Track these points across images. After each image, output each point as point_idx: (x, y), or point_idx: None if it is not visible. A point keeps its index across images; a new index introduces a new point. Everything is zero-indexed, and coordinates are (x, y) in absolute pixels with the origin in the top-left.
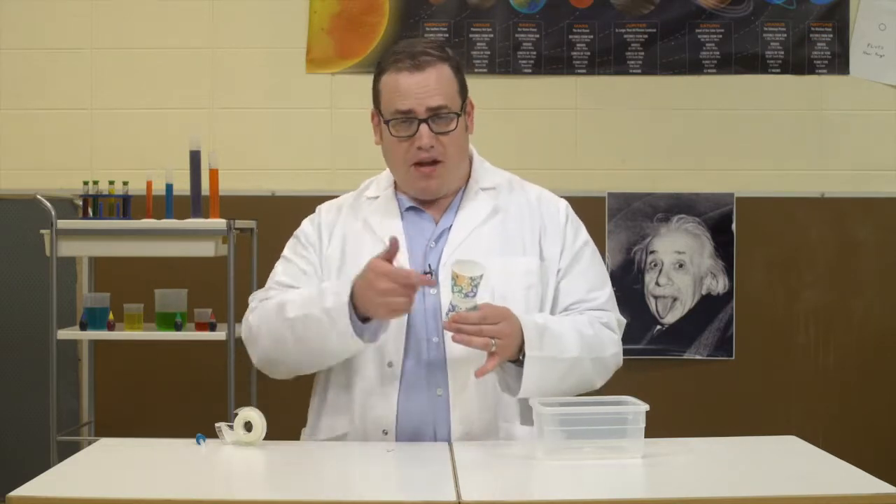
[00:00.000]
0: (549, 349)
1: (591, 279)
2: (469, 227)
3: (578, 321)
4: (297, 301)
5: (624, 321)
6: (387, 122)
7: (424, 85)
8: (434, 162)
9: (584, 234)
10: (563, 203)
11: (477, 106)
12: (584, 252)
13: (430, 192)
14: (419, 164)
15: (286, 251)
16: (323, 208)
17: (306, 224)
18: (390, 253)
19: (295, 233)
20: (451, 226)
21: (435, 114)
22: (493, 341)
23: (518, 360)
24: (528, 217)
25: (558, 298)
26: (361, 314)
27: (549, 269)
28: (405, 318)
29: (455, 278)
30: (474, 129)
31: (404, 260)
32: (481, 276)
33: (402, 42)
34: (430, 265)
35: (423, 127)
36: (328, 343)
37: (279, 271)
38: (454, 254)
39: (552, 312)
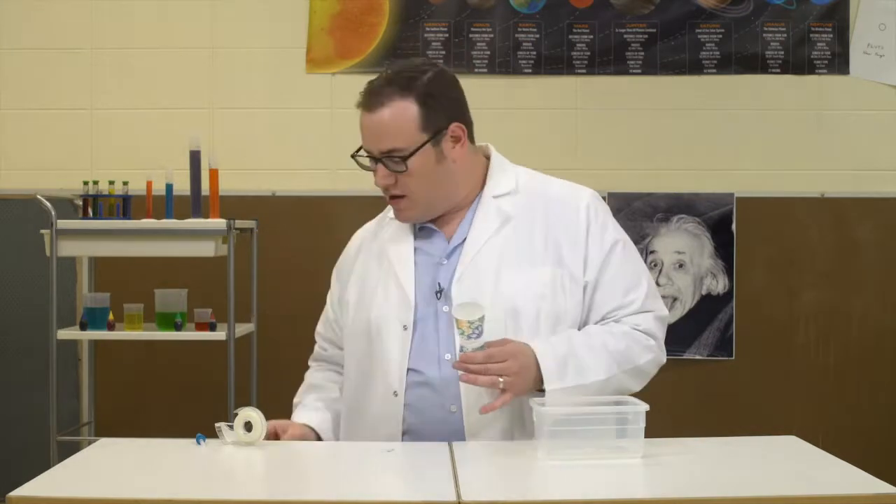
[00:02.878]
0: (572, 379)
1: (625, 281)
2: (480, 242)
3: (611, 334)
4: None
5: (665, 315)
6: (354, 156)
7: (375, 127)
8: (398, 196)
9: (610, 234)
10: (585, 201)
11: (477, 106)
12: (613, 253)
13: (407, 221)
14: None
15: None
16: (355, 238)
17: (339, 263)
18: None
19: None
20: (463, 241)
21: (386, 155)
22: (500, 379)
23: (541, 389)
24: (542, 222)
25: (594, 310)
26: None
27: (571, 278)
28: (408, 348)
29: (456, 323)
30: (475, 138)
31: (410, 290)
32: (481, 319)
33: (376, 77)
34: (439, 283)
35: (380, 167)
36: None
37: (322, 316)
38: (466, 269)
39: (588, 323)
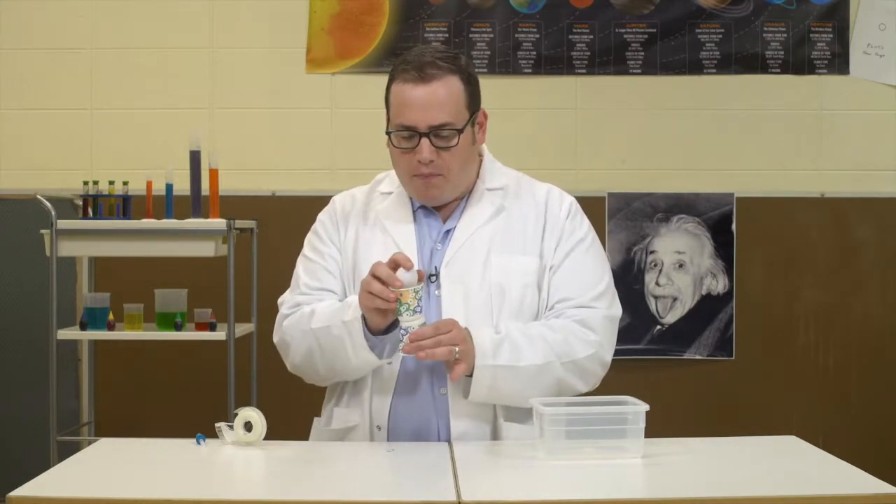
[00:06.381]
0: (505, 359)
1: (582, 275)
2: (471, 228)
3: (549, 326)
4: (325, 312)
5: (616, 315)
6: (389, 133)
7: (428, 100)
8: (434, 174)
9: (583, 230)
10: (569, 200)
11: None
12: (579, 247)
13: (432, 200)
14: (419, 174)
15: (306, 249)
16: (337, 199)
17: (324, 216)
18: (397, 263)
19: (313, 227)
20: (454, 227)
21: (436, 129)
22: (455, 348)
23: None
24: (532, 216)
25: (548, 295)
26: (375, 327)
27: (546, 266)
28: None
29: (400, 297)
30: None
31: (414, 263)
32: (422, 287)
33: (415, 49)
34: (435, 267)
35: (424, 141)
36: (348, 356)
37: (302, 273)
38: (457, 254)
39: (545, 311)
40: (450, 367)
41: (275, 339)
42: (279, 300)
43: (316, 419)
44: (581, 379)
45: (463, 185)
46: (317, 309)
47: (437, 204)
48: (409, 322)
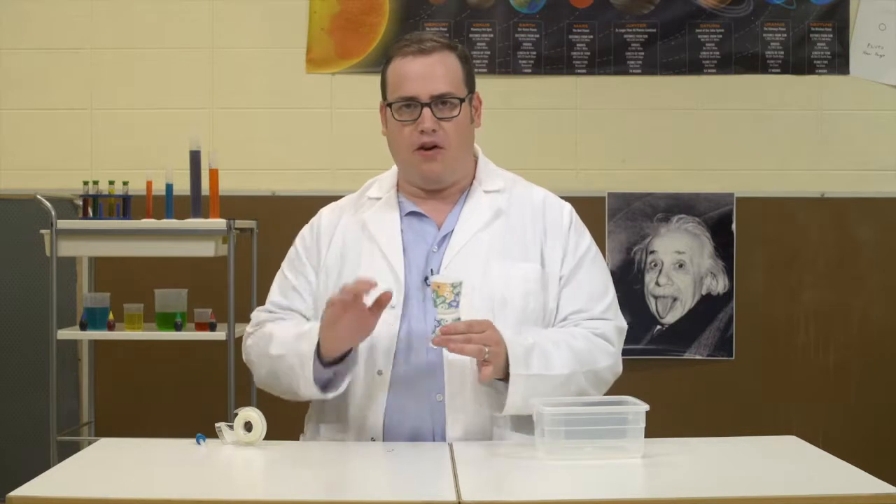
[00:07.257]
0: (536, 367)
1: (591, 287)
2: (470, 232)
3: (571, 335)
4: (283, 338)
5: (624, 327)
6: (390, 106)
7: (429, 71)
8: (436, 147)
9: (586, 240)
10: (568, 207)
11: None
12: (585, 259)
13: (433, 176)
14: (421, 148)
15: (285, 264)
16: (324, 212)
17: (305, 231)
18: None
19: (295, 240)
20: (452, 230)
21: (438, 99)
22: (486, 348)
23: (504, 377)
24: (530, 221)
25: (559, 307)
26: (327, 358)
27: (551, 275)
28: (396, 326)
29: (437, 289)
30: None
31: (400, 267)
32: (461, 284)
33: (411, 33)
34: (431, 270)
35: (426, 111)
36: (299, 387)
37: (275, 288)
38: (455, 258)
39: (553, 321)
40: (478, 368)
41: (243, 357)
42: (252, 314)
43: (301, 437)
44: (595, 388)
45: (460, 167)
46: (275, 333)
47: (436, 184)
48: (444, 315)
